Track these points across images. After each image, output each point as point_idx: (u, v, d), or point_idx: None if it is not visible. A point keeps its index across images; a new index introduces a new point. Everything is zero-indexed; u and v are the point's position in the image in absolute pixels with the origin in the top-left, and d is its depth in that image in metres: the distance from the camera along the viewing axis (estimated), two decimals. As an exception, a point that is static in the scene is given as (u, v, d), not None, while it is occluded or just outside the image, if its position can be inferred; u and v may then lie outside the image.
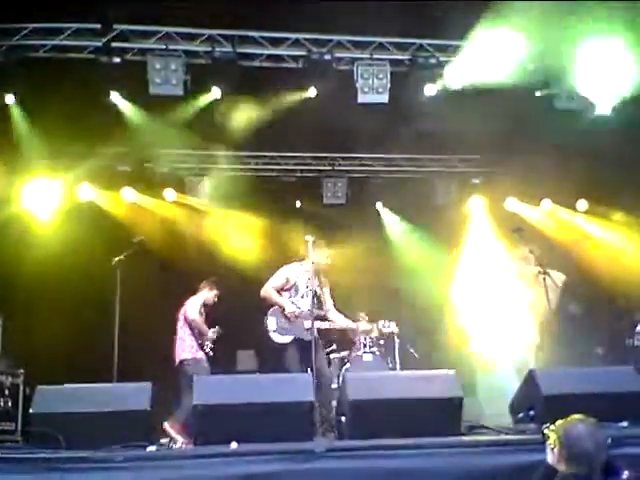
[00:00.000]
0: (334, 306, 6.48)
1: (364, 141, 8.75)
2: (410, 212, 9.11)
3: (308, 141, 8.82)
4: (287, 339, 6.10)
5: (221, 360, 7.77)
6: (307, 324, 6.03)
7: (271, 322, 6.16)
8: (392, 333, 6.80)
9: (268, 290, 6.27)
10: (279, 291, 6.28)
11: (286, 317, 6.14)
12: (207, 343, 6.74)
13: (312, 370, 5.50)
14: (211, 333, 6.79)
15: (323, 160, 9.58)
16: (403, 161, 9.62)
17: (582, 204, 9.38)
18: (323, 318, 6.35)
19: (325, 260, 6.31)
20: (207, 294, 6.90)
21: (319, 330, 6.16)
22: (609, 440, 3.34)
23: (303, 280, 6.30)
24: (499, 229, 8.17)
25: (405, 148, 9.25)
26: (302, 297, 6.26)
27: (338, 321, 6.43)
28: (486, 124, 7.60)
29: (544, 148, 8.66)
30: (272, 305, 6.23)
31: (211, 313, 6.92)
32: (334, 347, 8.11)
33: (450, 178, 9.62)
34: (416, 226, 8.91)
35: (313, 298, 6.02)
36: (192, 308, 6.70)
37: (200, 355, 6.67)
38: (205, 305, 6.86)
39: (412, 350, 7.94)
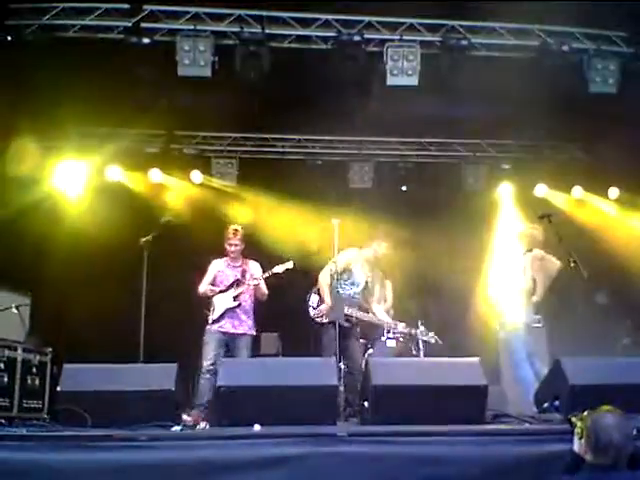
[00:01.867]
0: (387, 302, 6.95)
1: (392, 124, 8.65)
2: (438, 198, 9.00)
3: (335, 124, 8.76)
4: (324, 320, 6.38)
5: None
6: (346, 310, 6.35)
7: (314, 299, 6.54)
8: (428, 342, 6.86)
9: (322, 277, 6.55)
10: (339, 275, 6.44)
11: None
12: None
13: (340, 354, 5.57)
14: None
15: (350, 144, 9.53)
16: (432, 145, 9.53)
17: (613, 192, 9.19)
18: (366, 309, 6.64)
19: (382, 251, 6.50)
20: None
21: (357, 318, 6.30)
22: (635, 432, 3.29)
23: (358, 267, 6.52)
24: (527, 216, 8.04)
25: (434, 132, 9.15)
26: (352, 284, 6.52)
27: (378, 314, 6.73)
28: (518, 109, 7.49)
29: (576, 135, 8.52)
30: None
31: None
32: (358, 331, 8.10)
33: (479, 163, 9.50)
34: (444, 212, 8.79)
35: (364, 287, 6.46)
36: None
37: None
38: None
39: (436, 337, 7.89)
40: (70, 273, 7.96)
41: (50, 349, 5.76)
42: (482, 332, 7.40)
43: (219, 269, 6.58)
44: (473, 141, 9.43)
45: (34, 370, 5.46)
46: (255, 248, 7.50)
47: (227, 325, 6.36)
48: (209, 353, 6.16)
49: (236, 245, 6.55)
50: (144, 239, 6.00)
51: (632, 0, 6.34)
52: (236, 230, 6.58)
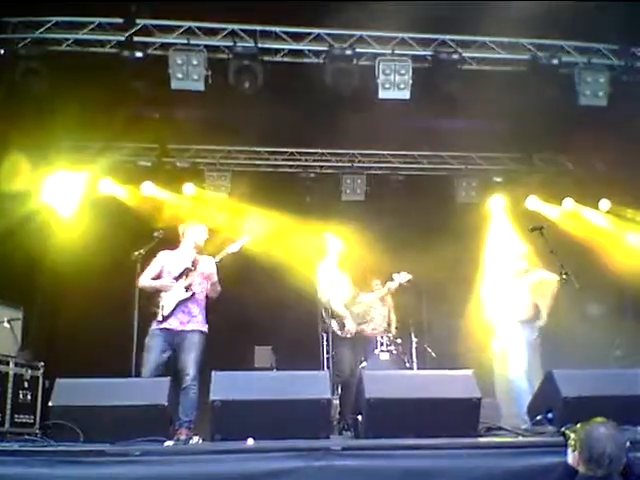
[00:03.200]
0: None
1: (384, 138, 8.71)
2: (431, 210, 9.04)
3: (327, 137, 8.81)
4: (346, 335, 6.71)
5: (239, 356, 7.81)
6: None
7: (334, 324, 6.67)
8: (409, 281, 7.09)
9: (332, 301, 6.65)
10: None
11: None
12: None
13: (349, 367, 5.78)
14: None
15: (342, 156, 9.57)
16: (424, 158, 9.58)
17: (605, 204, 9.25)
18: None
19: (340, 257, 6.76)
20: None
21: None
22: (628, 443, 3.31)
23: (337, 275, 6.76)
24: (520, 229, 8.08)
25: (425, 145, 9.21)
26: (340, 292, 6.77)
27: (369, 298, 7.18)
28: (509, 122, 7.55)
29: (567, 147, 8.58)
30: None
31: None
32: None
33: (471, 176, 9.56)
34: (437, 225, 8.83)
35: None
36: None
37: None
38: None
39: (429, 349, 7.90)
40: (62, 287, 7.94)
41: (42, 363, 5.72)
42: (476, 345, 7.41)
43: (166, 260, 5.92)
44: (465, 154, 9.50)
45: (26, 384, 5.41)
46: (246, 261, 7.50)
47: (174, 322, 5.66)
48: (149, 360, 5.43)
49: (200, 241, 6.02)
50: (136, 253, 5.97)
51: (621, 13, 6.42)
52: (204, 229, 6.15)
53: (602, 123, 7.33)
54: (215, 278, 5.82)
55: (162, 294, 5.76)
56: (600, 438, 3.16)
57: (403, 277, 7.10)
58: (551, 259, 6.19)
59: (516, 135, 8.21)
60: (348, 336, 6.73)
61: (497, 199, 9.47)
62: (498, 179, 9.56)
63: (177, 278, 5.80)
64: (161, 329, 5.61)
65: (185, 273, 5.81)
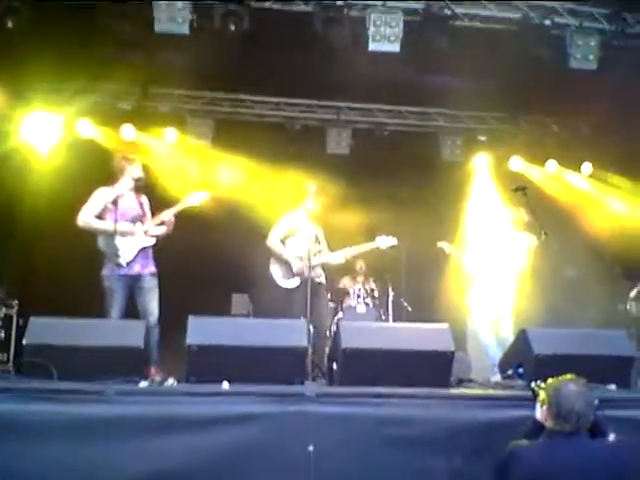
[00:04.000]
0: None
1: (371, 91, 8.60)
2: (415, 167, 9.01)
3: (314, 88, 8.67)
4: (295, 283, 6.19)
5: (216, 303, 7.82)
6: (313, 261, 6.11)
7: (275, 270, 6.26)
8: (393, 246, 6.61)
9: (273, 242, 6.28)
10: (283, 240, 6.29)
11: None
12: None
13: (310, 316, 5.57)
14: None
15: (328, 109, 9.45)
16: (410, 114, 9.50)
17: (587, 167, 9.29)
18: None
19: (318, 207, 6.35)
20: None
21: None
22: (597, 402, 3.38)
23: (303, 226, 6.34)
24: (502, 188, 8.11)
25: (413, 100, 9.12)
26: (301, 242, 6.29)
27: (333, 257, 6.49)
28: (497, 81, 7.49)
29: (554, 109, 8.54)
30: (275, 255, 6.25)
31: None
32: (328, 296, 8.14)
33: (457, 134, 9.52)
34: (420, 181, 8.81)
35: (312, 242, 6.13)
36: None
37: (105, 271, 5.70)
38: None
39: (405, 303, 7.98)
40: (38, 226, 7.82)
41: (16, 302, 5.65)
42: (451, 300, 7.50)
43: (108, 198, 5.67)
44: (451, 112, 9.43)
45: (0, 323, 5.36)
46: (226, 209, 7.44)
47: (136, 267, 5.62)
48: (114, 304, 5.46)
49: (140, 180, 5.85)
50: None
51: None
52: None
53: (590, 87, 7.30)
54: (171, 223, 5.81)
55: (118, 238, 5.59)
56: (569, 395, 3.22)
57: (387, 242, 6.54)
58: (532, 220, 6.23)
59: (503, 95, 8.15)
60: (295, 283, 6.20)
61: (481, 158, 9.45)
62: (483, 138, 9.53)
63: (132, 221, 5.69)
64: (122, 275, 5.57)
65: (139, 218, 5.74)
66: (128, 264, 5.58)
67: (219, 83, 8.73)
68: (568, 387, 3.26)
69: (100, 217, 5.65)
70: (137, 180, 5.80)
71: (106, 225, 5.62)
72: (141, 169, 5.88)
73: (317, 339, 5.89)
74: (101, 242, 5.65)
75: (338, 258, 6.49)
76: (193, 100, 9.17)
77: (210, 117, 9.19)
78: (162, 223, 5.81)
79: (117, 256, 5.55)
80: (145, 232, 5.72)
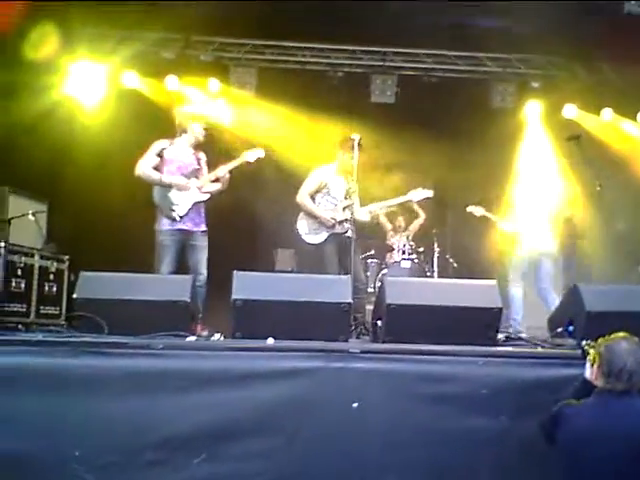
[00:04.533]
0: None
1: (418, 36, 8.29)
2: (464, 115, 8.71)
3: (358, 33, 8.40)
4: (322, 237, 6.01)
5: (260, 258, 7.85)
6: (340, 217, 5.97)
7: (302, 225, 6.08)
8: (428, 198, 6.28)
9: (303, 197, 6.10)
10: (313, 195, 6.13)
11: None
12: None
13: (348, 271, 5.48)
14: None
15: (373, 54, 9.16)
16: (459, 59, 9.15)
17: (643, 116, 8.85)
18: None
19: (353, 161, 6.04)
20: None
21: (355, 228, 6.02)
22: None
23: (335, 181, 6.14)
24: (555, 138, 7.80)
25: (462, 45, 8.77)
26: (335, 198, 6.11)
27: (358, 213, 6.10)
28: (552, 25, 7.12)
29: (608, 55, 8.11)
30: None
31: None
32: (372, 252, 8.08)
33: (508, 80, 9.13)
34: (470, 130, 8.52)
35: (346, 198, 5.96)
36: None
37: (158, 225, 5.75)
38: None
39: (451, 260, 7.87)
40: (87, 181, 7.91)
41: (67, 257, 5.76)
42: (497, 257, 7.35)
43: (172, 152, 5.76)
44: (503, 56, 9.03)
45: (51, 277, 5.47)
46: (270, 165, 7.37)
47: (189, 223, 5.69)
48: (166, 259, 5.54)
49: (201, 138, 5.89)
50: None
51: None
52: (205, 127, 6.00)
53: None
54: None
55: (173, 192, 5.68)
56: (621, 353, 3.15)
57: (421, 194, 6.20)
58: (586, 169, 6.00)
59: (557, 39, 7.75)
60: (325, 236, 6.00)
61: (533, 105, 9.09)
62: (535, 84, 9.10)
63: (187, 176, 5.73)
64: (176, 229, 5.64)
65: (195, 174, 5.77)
66: (181, 218, 5.64)
67: (260, 30, 8.55)
68: (620, 345, 3.19)
69: (157, 169, 5.71)
70: (199, 139, 5.85)
71: (163, 177, 5.68)
72: (203, 128, 5.91)
73: (356, 295, 5.78)
74: (156, 195, 5.73)
75: (363, 215, 6.14)
76: (236, 48, 9.04)
77: (253, 65, 9.04)
78: (217, 179, 5.83)
79: (171, 210, 5.63)
80: (199, 188, 5.76)
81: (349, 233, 5.94)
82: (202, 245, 5.71)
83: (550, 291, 6.33)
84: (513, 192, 6.78)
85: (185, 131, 5.85)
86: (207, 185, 5.81)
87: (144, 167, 5.66)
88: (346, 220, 5.98)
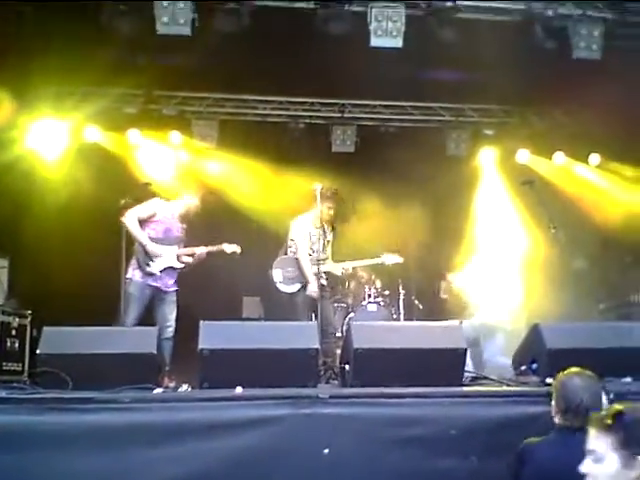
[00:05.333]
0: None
1: (375, 88, 8.56)
2: (421, 163, 8.97)
3: (317, 86, 8.64)
4: (296, 287, 6.25)
5: (227, 306, 7.82)
6: (314, 270, 6.17)
7: (276, 274, 6.32)
8: (397, 264, 6.79)
9: (303, 257, 6.30)
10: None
11: (292, 265, 6.26)
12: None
13: (318, 318, 5.56)
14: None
15: (332, 106, 9.42)
16: (415, 109, 9.46)
17: (595, 158, 9.22)
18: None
19: (328, 211, 6.35)
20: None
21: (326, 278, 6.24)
22: (612, 395, 3.34)
23: (314, 232, 6.43)
24: (509, 182, 8.06)
25: (417, 96, 9.07)
26: (311, 249, 6.39)
27: (333, 268, 6.61)
28: (502, 74, 7.43)
29: (560, 100, 8.48)
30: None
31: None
32: (339, 296, 8.12)
33: (462, 128, 9.46)
34: (426, 177, 8.76)
35: (323, 247, 6.19)
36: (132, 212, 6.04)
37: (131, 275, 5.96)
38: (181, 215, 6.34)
39: (417, 301, 7.96)
40: (49, 234, 7.82)
41: (29, 312, 5.68)
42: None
43: (163, 214, 6.09)
44: (456, 105, 9.37)
45: (13, 333, 5.40)
46: (236, 213, 7.43)
47: (160, 282, 5.97)
48: (133, 310, 5.73)
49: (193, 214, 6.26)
50: (123, 201, 5.92)
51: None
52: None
53: (596, 77, 7.24)
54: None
55: (154, 245, 5.92)
56: (575, 389, 3.11)
57: (392, 259, 6.75)
58: (540, 213, 6.20)
59: (508, 87, 8.08)
60: (298, 285, 6.34)
61: (487, 152, 9.40)
62: (489, 132, 9.47)
63: (171, 242, 6.01)
64: (147, 284, 5.85)
65: (178, 241, 6.09)
66: (152, 275, 5.89)
67: (222, 84, 8.71)
68: (573, 381, 3.16)
69: (144, 222, 5.95)
70: (189, 212, 6.20)
71: (143, 239, 5.90)
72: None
73: (325, 340, 5.89)
74: (137, 245, 5.93)
75: (337, 270, 6.60)
76: (197, 101, 9.18)
77: (214, 118, 9.18)
78: (193, 254, 6.11)
79: (147, 265, 5.85)
80: (178, 256, 6.05)
81: (322, 281, 6.19)
82: (171, 300, 5.95)
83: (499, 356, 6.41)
84: (470, 243, 6.95)
85: (182, 197, 6.21)
86: (184, 257, 6.11)
87: (132, 220, 5.89)
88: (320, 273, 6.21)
